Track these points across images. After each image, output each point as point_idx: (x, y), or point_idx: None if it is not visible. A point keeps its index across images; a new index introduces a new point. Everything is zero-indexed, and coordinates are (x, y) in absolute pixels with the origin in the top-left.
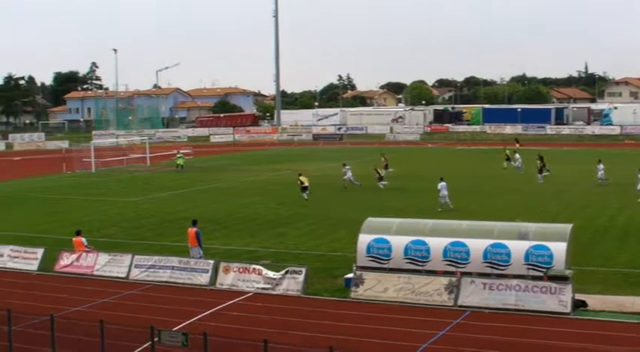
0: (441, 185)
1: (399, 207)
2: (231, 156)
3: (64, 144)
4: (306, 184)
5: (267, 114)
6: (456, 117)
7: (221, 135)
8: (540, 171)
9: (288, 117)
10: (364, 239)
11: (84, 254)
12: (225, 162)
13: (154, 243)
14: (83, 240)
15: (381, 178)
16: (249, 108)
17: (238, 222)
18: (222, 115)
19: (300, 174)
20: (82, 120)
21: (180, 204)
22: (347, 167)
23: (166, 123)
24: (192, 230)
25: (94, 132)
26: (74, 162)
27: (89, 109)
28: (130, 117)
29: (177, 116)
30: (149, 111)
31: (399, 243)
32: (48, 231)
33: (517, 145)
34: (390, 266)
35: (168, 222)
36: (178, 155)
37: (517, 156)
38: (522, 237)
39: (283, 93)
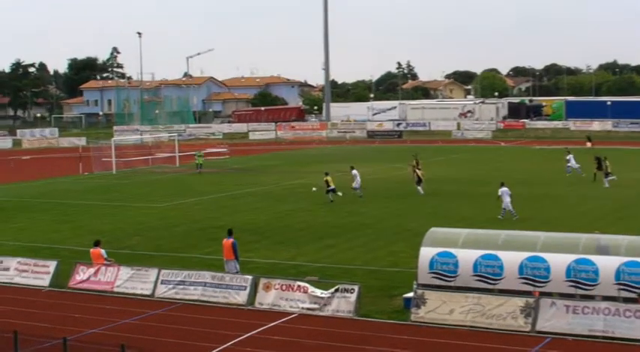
0: (502, 190)
1: (467, 216)
2: (272, 155)
3: (81, 142)
4: (333, 186)
5: (315, 107)
6: (535, 112)
7: (261, 131)
8: (606, 176)
9: (339, 111)
10: (427, 252)
11: (103, 267)
12: (266, 163)
13: (184, 255)
14: (102, 251)
15: (419, 181)
16: (294, 101)
17: (281, 231)
18: (262, 109)
19: (326, 174)
20: (101, 114)
21: (214, 211)
22: (354, 171)
23: (198, 118)
24: (227, 241)
25: (115, 128)
26: (92, 162)
27: (109, 101)
28: (156, 111)
29: (210, 109)
30: (179, 103)
31: (467, 257)
32: (61, 241)
33: (588, 145)
34: (457, 285)
35: (200, 231)
36: (198, 154)
37: (569, 157)
38: (601, 251)
39: (333, 84)
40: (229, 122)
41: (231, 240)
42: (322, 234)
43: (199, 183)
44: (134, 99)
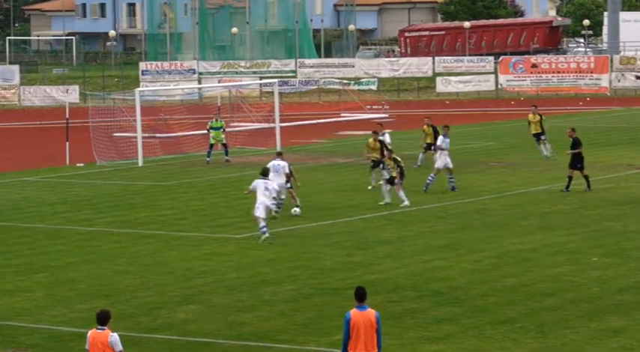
0: None
1: None
2: (488, 128)
3: (69, 95)
4: None
5: (586, 23)
6: None
7: (463, 75)
8: None
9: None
10: None
11: None
12: (472, 145)
13: (285, 347)
14: (112, 337)
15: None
16: (539, 9)
17: (504, 297)
18: (466, 25)
19: None
20: (112, 34)
21: (360, 249)
22: None
23: (325, 46)
24: (363, 314)
25: (142, 66)
26: (93, 142)
27: (131, 8)
28: (233, 30)
29: (351, 26)
30: (281, 13)
31: None
32: (24, 313)
33: None
34: None
35: (326, 293)
36: (213, 124)
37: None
38: None
39: None
40: (391, 50)
41: (368, 311)
42: (605, 307)
43: (327, 188)
44: (185, 4)
